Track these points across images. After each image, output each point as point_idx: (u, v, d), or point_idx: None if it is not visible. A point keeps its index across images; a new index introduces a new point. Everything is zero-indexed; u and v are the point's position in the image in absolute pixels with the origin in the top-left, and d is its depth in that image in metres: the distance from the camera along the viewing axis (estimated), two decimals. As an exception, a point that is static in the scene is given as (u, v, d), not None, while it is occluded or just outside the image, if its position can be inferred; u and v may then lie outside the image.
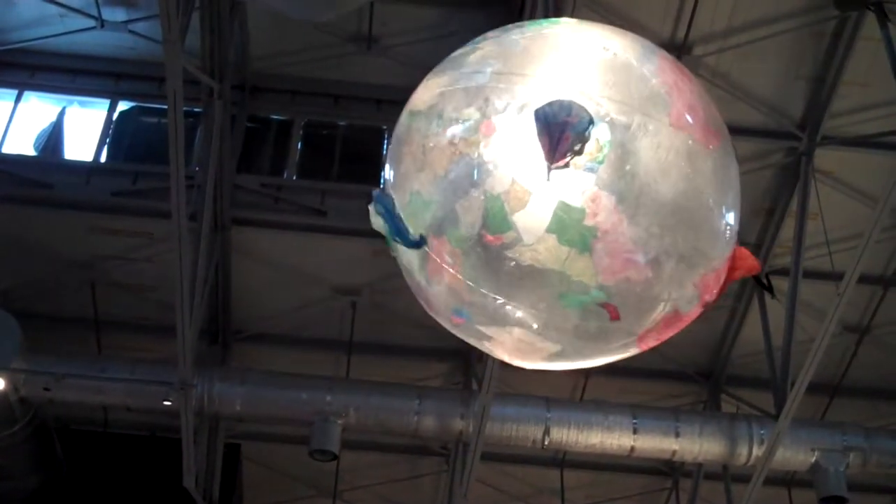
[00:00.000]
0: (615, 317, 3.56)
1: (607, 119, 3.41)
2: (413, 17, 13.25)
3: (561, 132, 3.37)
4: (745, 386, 14.37)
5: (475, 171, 3.40)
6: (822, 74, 12.32)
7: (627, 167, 3.40)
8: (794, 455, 12.73)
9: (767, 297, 13.52)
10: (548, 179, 3.35)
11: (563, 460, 15.62)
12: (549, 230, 3.36)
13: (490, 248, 3.41)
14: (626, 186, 3.40)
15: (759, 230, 13.66)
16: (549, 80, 3.47)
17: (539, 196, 3.35)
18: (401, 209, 3.62)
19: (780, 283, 13.16)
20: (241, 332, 14.15)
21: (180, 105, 9.81)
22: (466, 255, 3.47)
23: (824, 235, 12.08)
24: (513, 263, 3.40)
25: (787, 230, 13.02)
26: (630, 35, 3.87)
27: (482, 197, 3.38)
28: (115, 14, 13.61)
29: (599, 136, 3.39)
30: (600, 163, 3.37)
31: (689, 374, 14.80)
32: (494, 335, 3.71)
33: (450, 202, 3.44)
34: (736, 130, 12.94)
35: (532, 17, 10.23)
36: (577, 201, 3.35)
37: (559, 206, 3.35)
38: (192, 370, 11.73)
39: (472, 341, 3.85)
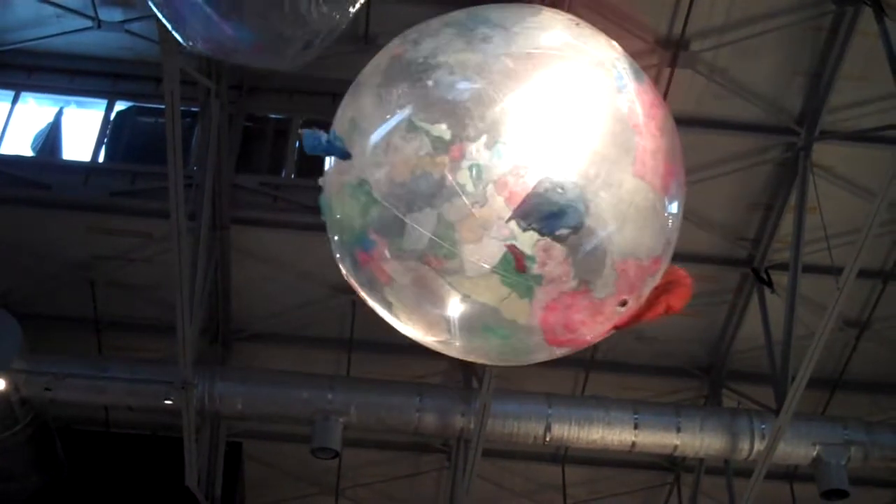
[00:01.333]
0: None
1: (576, 178, 3.37)
2: (410, 16, 13.22)
3: (551, 229, 3.35)
4: (746, 381, 14.38)
5: (435, 193, 3.33)
6: (819, 69, 12.31)
7: (586, 222, 3.38)
8: (796, 449, 12.74)
9: (767, 291, 13.53)
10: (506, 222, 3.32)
11: (564, 456, 15.63)
12: (494, 269, 3.31)
13: (428, 268, 3.35)
14: (579, 241, 3.37)
15: (757, 225, 13.66)
16: (526, 121, 3.40)
17: (492, 234, 3.30)
18: (348, 188, 3.59)
19: (780, 278, 13.18)
20: (242, 331, 14.15)
21: (178, 105, 9.81)
22: (402, 264, 3.40)
23: (823, 230, 12.08)
24: (446, 288, 3.35)
25: (786, 225, 13.02)
26: (618, 50, 3.80)
27: (435, 220, 3.32)
28: (112, 14, 13.58)
29: (567, 187, 3.36)
30: (562, 214, 3.34)
31: (689, 370, 14.81)
32: (412, 334, 3.73)
33: (401, 210, 3.37)
34: (734, 126, 13.12)
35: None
36: (528, 248, 3.31)
37: (512, 248, 3.32)
38: (192, 369, 11.74)
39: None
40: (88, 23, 13.58)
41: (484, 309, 3.38)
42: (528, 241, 3.30)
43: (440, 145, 3.36)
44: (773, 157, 13.14)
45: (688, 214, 14.66)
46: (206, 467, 13.33)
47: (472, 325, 3.45)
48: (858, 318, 14.34)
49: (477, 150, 3.35)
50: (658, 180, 3.62)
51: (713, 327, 14.64)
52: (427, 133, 3.40)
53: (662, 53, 12.24)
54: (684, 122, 12.71)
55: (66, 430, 14.29)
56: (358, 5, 4.60)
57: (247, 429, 15.07)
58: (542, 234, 3.32)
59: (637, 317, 3.78)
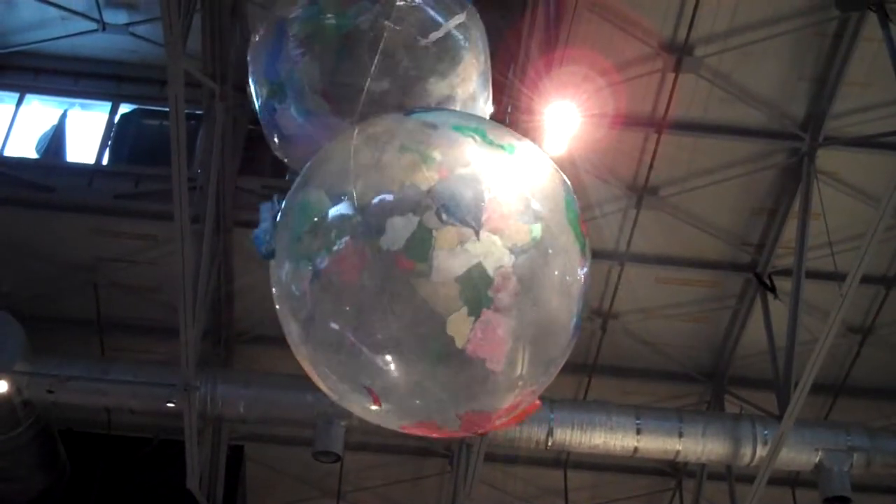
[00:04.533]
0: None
1: (540, 221, 3.72)
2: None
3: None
4: (749, 386, 14.36)
5: (419, 203, 3.64)
6: (823, 75, 12.31)
7: (543, 269, 3.71)
8: (798, 455, 12.72)
9: (770, 297, 13.52)
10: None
11: (566, 461, 15.61)
12: (457, 279, 3.59)
13: (397, 269, 3.60)
14: (532, 282, 3.68)
15: (761, 231, 13.65)
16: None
17: (464, 248, 3.59)
18: (318, 203, 3.86)
19: (783, 284, 13.18)
20: (244, 334, 14.15)
21: (182, 107, 9.81)
22: (375, 263, 3.63)
23: (827, 236, 12.07)
24: (407, 290, 3.59)
25: (790, 231, 13.01)
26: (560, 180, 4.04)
27: (414, 226, 3.61)
28: (117, 17, 13.62)
29: (534, 229, 3.70)
30: (524, 251, 3.66)
31: (692, 375, 14.80)
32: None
33: (382, 215, 3.65)
34: (738, 131, 13.11)
35: (533, 18, 10.23)
36: (491, 270, 3.61)
37: (476, 265, 3.60)
38: (195, 372, 11.73)
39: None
40: (93, 25, 13.61)
41: (433, 319, 3.59)
42: (492, 262, 3.61)
43: (431, 163, 3.74)
44: (777, 162, 13.14)
45: (691, 219, 14.74)
46: (208, 470, 13.33)
47: (416, 333, 3.63)
48: (862, 324, 14.33)
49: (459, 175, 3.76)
50: (586, 262, 4.04)
51: (716, 332, 14.64)
52: (420, 153, 3.78)
53: (667, 58, 12.24)
54: (688, 127, 12.74)
55: (68, 433, 14.30)
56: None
57: (249, 432, 15.08)
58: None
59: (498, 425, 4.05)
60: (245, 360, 14.17)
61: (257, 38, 5.19)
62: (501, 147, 3.87)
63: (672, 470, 15.79)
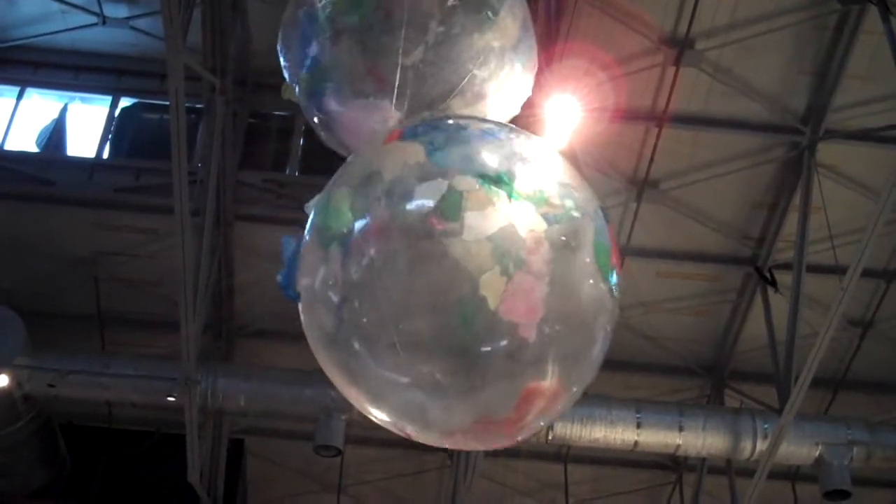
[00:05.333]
0: None
1: (575, 197, 3.71)
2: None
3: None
4: (749, 380, 14.37)
5: (448, 169, 3.66)
6: (824, 69, 12.30)
7: (576, 247, 3.65)
8: (798, 449, 12.72)
9: (771, 291, 13.52)
10: None
11: (566, 455, 15.62)
12: (490, 238, 3.54)
13: (430, 230, 3.56)
14: (565, 254, 3.62)
15: (762, 224, 13.65)
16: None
17: (496, 209, 3.57)
18: (347, 182, 3.88)
19: (784, 278, 13.19)
20: (245, 328, 14.16)
21: (182, 101, 9.81)
22: (402, 231, 3.60)
23: (828, 229, 12.08)
24: (439, 250, 3.53)
25: (791, 224, 13.01)
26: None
27: (444, 188, 3.59)
28: (117, 10, 13.62)
29: (567, 203, 3.68)
30: (558, 221, 3.61)
31: (692, 369, 14.80)
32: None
33: (410, 183, 3.65)
34: (738, 125, 13.12)
35: (533, 12, 10.22)
36: (523, 231, 3.57)
37: (509, 225, 3.56)
38: (196, 366, 11.74)
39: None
40: (93, 19, 13.62)
41: (464, 278, 3.52)
42: (524, 224, 3.57)
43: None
44: (778, 156, 13.13)
45: (692, 213, 14.74)
46: (209, 464, 13.34)
47: (448, 298, 3.54)
48: (862, 317, 14.33)
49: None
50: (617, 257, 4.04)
51: (716, 326, 14.64)
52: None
53: (667, 52, 12.23)
54: (689, 120, 12.73)
55: (69, 427, 14.31)
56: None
57: (249, 426, 15.09)
58: None
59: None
60: (246, 354, 14.18)
61: (286, 28, 5.05)
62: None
63: (672, 464, 15.80)
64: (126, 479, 14.55)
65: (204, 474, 12.80)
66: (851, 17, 11.78)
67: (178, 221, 10.56)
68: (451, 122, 3.99)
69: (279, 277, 4.32)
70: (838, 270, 10.97)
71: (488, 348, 3.57)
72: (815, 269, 12.62)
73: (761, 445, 12.55)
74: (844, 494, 12.61)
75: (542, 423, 3.91)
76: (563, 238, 3.62)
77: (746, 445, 12.71)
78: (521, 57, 4.93)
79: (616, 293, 3.85)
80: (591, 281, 3.71)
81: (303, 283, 4.10)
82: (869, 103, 12.56)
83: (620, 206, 13.32)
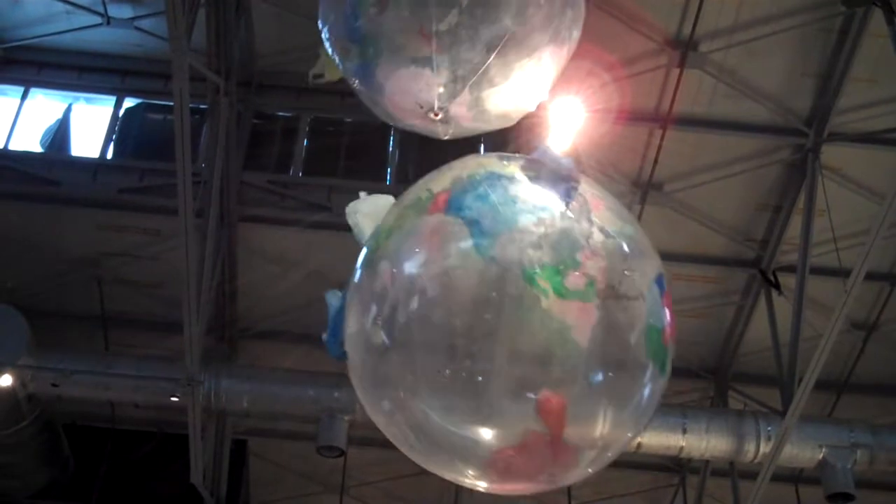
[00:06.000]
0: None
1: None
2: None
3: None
4: (753, 382, 14.35)
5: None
6: (828, 71, 12.30)
7: (630, 269, 3.65)
8: (802, 452, 12.71)
9: (774, 293, 13.51)
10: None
11: (569, 456, 15.58)
12: (545, 236, 3.57)
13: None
14: (617, 270, 3.61)
15: (765, 226, 13.64)
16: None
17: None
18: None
19: (788, 280, 13.17)
20: (248, 329, 14.16)
21: (186, 102, 9.82)
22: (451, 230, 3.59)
23: (831, 232, 12.05)
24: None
25: (794, 227, 13.00)
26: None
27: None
28: (122, 11, 13.62)
29: (626, 228, 3.77)
30: (613, 237, 3.64)
31: (696, 371, 14.78)
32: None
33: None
34: (742, 127, 13.10)
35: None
36: (580, 237, 3.59)
37: (566, 228, 3.61)
38: (199, 366, 11.74)
39: None
40: (98, 19, 13.62)
41: (519, 271, 3.50)
42: (581, 231, 3.61)
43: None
44: (782, 158, 13.12)
45: (696, 215, 14.71)
46: (212, 464, 13.33)
47: (505, 296, 3.50)
48: (866, 320, 14.31)
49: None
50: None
51: (720, 329, 14.62)
52: None
53: (671, 54, 12.23)
54: (693, 122, 12.73)
55: (73, 427, 14.33)
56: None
57: (252, 426, 15.09)
58: None
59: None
60: (249, 355, 14.18)
61: (324, 7, 5.06)
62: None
63: (675, 466, 15.78)
64: (129, 480, 14.57)
65: (207, 475, 12.80)
66: (856, 20, 11.77)
67: (182, 222, 10.56)
68: (498, 187, 3.75)
69: (324, 337, 4.21)
70: (842, 273, 10.95)
71: (545, 345, 3.52)
72: (819, 271, 12.62)
73: (765, 448, 12.53)
74: (848, 497, 12.59)
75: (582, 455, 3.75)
76: (619, 255, 3.62)
77: (750, 448, 12.69)
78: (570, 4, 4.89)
79: (665, 371, 3.78)
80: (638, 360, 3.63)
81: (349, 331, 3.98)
82: (873, 106, 12.55)
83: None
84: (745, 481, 13.81)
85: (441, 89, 4.71)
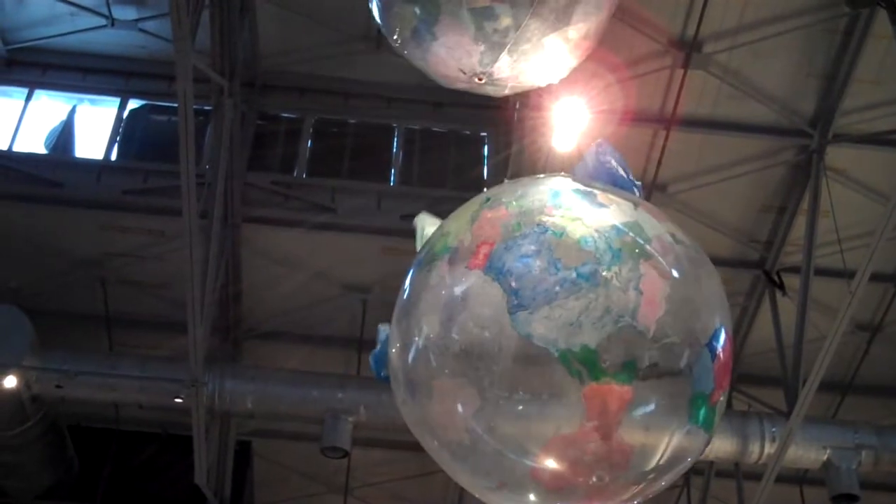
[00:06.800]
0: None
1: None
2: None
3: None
4: (757, 384, 14.32)
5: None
6: (833, 72, 12.28)
7: (697, 275, 3.64)
8: (806, 453, 12.70)
9: (779, 294, 13.49)
10: None
11: (573, 458, 15.57)
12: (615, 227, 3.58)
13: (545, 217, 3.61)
14: (687, 272, 3.59)
15: (770, 228, 13.63)
16: None
17: (620, 210, 3.65)
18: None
19: (792, 281, 13.15)
20: (252, 330, 14.17)
21: (190, 103, 9.82)
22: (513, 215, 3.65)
23: (836, 233, 12.04)
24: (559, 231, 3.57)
25: (799, 228, 12.99)
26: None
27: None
28: (126, 13, 13.64)
29: (687, 240, 3.70)
30: (681, 242, 3.65)
31: (700, 372, 14.75)
32: None
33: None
34: (747, 128, 13.09)
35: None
36: (650, 232, 3.62)
37: (635, 223, 3.64)
38: (203, 367, 11.74)
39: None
40: (102, 21, 13.64)
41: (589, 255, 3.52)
42: (650, 228, 3.65)
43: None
44: (786, 159, 13.11)
45: (700, 216, 14.69)
46: (216, 465, 13.34)
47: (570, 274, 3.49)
48: (870, 321, 14.30)
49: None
50: None
51: (724, 330, 14.59)
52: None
53: (676, 55, 12.22)
54: (697, 123, 12.72)
55: (77, 428, 14.34)
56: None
57: (256, 427, 15.10)
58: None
59: None
60: (253, 356, 14.19)
61: None
62: None
63: (680, 467, 15.74)
64: (133, 481, 14.58)
65: (211, 476, 12.80)
66: (860, 21, 11.76)
67: (186, 223, 10.56)
68: (541, 251, 3.56)
69: (371, 360, 4.29)
70: (846, 274, 10.94)
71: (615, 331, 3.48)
72: (824, 272, 12.60)
73: (769, 449, 12.52)
74: (853, 498, 12.59)
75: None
76: (686, 258, 3.59)
77: (754, 449, 12.68)
78: None
79: (709, 431, 3.68)
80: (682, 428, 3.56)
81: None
82: (878, 107, 12.54)
83: (628, 209, 13.28)
84: (749, 482, 13.80)
85: (481, 55, 4.78)
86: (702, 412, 3.56)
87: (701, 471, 15.30)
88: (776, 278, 13.54)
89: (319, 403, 12.47)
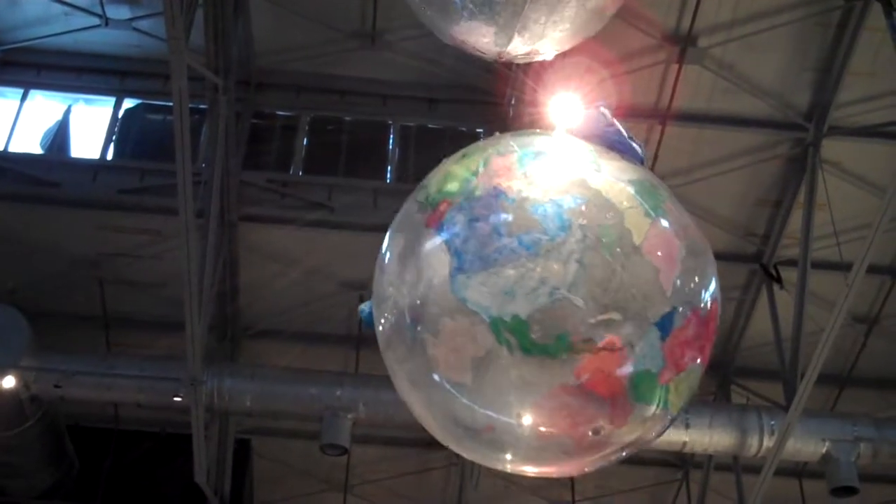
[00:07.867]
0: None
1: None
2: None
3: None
4: (755, 377, 14.35)
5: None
6: (828, 65, 12.29)
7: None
8: (805, 446, 12.70)
9: (776, 287, 13.50)
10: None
11: (572, 452, 15.57)
12: (631, 182, 3.73)
13: None
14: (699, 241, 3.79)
15: (766, 221, 13.64)
16: None
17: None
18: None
19: (789, 274, 13.16)
20: (250, 328, 14.17)
21: (186, 102, 9.81)
22: None
23: (832, 226, 12.05)
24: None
25: (795, 221, 12.99)
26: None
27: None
28: (120, 12, 13.62)
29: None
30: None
31: (698, 366, 14.76)
32: None
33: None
34: (742, 122, 13.10)
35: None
36: (662, 194, 3.85)
37: (649, 182, 3.85)
38: (201, 366, 11.75)
39: None
40: (96, 21, 13.62)
41: (611, 210, 3.46)
42: (663, 191, 3.89)
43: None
44: (782, 152, 13.12)
45: (696, 210, 14.61)
46: (215, 464, 13.35)
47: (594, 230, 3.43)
48: (868, 314, 14.31)
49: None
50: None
51: (722, 323, 14.37)
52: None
53: (670, 49, 12.22)
54: (692, 118, 12.73)
55: (76, 428, 14.33)
56: None
57: (255, 425, 15.10)
58: None
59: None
60: (251, 354, 14.19)
61: None
62: None
63: (679, 461, 15.78)
64: (133, 480, 14.57)
65: (210, 474, 12.81)
66: (854, 14, 11.77)
67: (183, 222, 10.56)
68: (489, 215, 3.49)
69: (361, 308, 4.30)
70: (843, 267, 10.95)
71: (635, 282, 3.51)
72: (820, 265, 12.62)
73: (768, 442, 12.53)
74: (852, 491, 12.60)
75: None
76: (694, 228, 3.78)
77: (753, 442, 12.69)
78: None
79: (666, 409, 3.78)
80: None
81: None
82: (873, 99, 12.55)
83: (624, 203, 13.29)
84: (748, 476, 13.81)
85: (494, 36, 4.87)
86: (653, 391, 3.55)
87: (700, 464, 15.33)
88: (773, 272, 13.55)
89: (318, 401, 12.47)
